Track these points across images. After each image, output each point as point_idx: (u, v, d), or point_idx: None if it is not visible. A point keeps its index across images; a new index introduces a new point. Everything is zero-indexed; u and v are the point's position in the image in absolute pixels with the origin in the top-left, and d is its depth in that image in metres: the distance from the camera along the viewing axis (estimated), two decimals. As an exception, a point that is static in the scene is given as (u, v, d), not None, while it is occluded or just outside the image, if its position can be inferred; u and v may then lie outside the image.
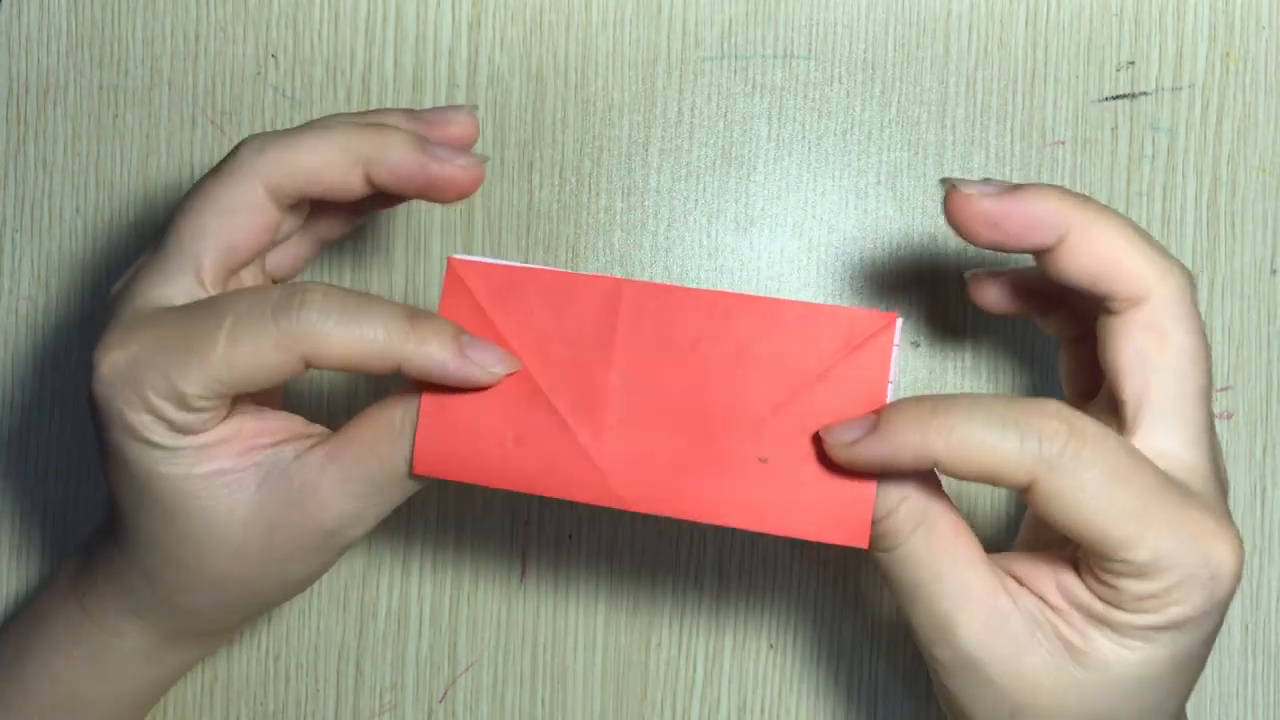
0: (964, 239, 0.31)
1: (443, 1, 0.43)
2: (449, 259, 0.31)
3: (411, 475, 0.32)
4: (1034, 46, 0.42)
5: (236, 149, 0.33)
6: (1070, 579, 0.30)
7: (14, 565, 0.44)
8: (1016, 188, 0.31)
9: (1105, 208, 0.31)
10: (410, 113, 0.34)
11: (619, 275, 0.42)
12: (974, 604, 0.30)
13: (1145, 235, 0.31)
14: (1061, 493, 0.28)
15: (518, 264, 0.31)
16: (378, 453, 0.32)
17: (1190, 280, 0.31)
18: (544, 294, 0.31)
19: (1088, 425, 0.28)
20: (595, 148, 0.43)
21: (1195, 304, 0.31)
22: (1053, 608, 0.30)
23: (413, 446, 0.31)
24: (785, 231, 0.43)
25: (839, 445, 0.29)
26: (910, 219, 0.43)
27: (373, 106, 0.43)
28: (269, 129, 0.43)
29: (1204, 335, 0.31)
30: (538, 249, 0.43)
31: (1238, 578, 0.29)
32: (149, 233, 0.44)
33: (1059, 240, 0.30)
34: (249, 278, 0.35)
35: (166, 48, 0.44)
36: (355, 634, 0.43)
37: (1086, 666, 0.30)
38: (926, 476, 0.30)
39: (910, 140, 0.43)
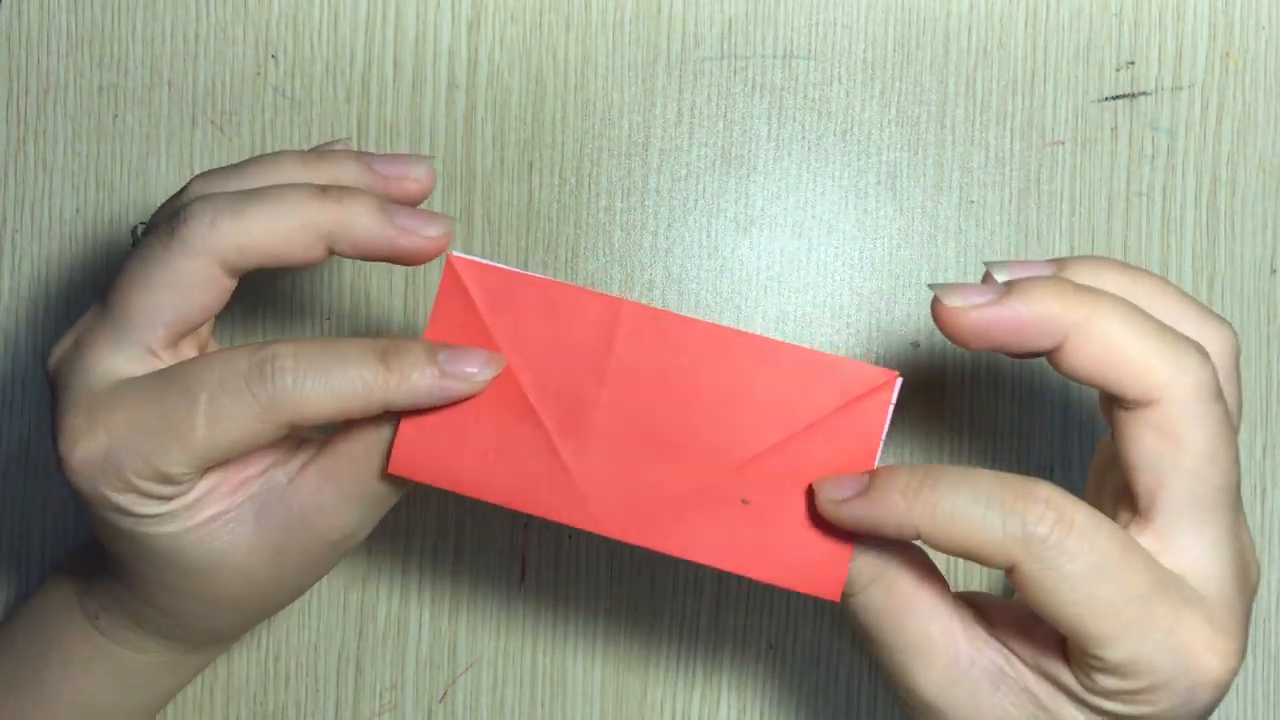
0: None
1: (442, 1, 0.43)
2: (448, 257, 0.31)
3: (384, 477, 0.32)
4: (1034, 46, 0.42)
5: (186, 213, 0.30)
6: (1048, 654, 0.29)
7: (14, 566, 0.44)
8: (1008, 291, 0.28)
9: (1108, 297, 0.28)
10: (364, 162, 0.33)
11: (619, 274, 0.43)
12: (933, 655, 0.30)
13: (1156, 326, 0.28)
14: (1042, 580, 0.27)
15: (517, 270, 0.31)
16: (371, 468, 0.32)
17: (1210, 366, 0.28)
18: (541, 302, 0.31)
19: (1077, 513, 0.27)
20: (595, 148, 0.43)
21: (1218, 395, 0.28)
22: (1025, 664, 0.30)
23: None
24: (785, 231, 0.43)
25: (829, 501, 0.29)
26: (910, 219, 0.43)
27: (372, 106, 0.43)
28: (269, 129, 0.43)
29: (1229, 425, 0.28)
30: (537, 249, 0.43)
31: (1222, 689, 0.28)
32: (149, 233, 0.44)
33: (1058, 344, 0.28)
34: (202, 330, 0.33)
35: (166, 48, 0.44)
36: (355, 634, 0.43)
37: None
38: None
39: (910, 140, 0.43)
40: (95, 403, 0.30)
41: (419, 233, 0.31)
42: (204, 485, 0.31)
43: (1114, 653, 0.27)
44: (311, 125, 0.43)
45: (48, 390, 0.44)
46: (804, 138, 0.43)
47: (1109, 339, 0.28)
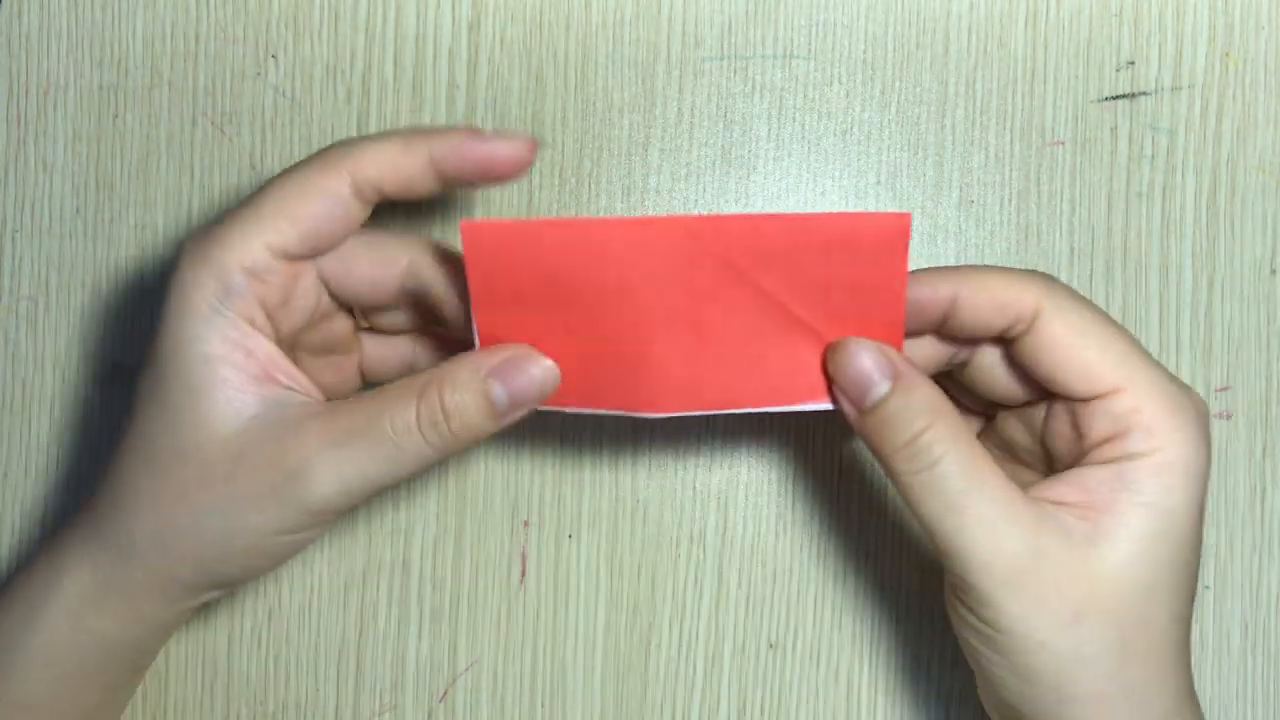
0: None
1: (442, 2, 0.43)
2: (461, 224, 0.31)
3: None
4: (1034, 46, 0.42)
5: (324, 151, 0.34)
6: (1079, 470, 0.33)
7: (14, 566, 0.44)
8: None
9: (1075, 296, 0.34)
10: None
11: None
12: (1019, 509, 0.32)
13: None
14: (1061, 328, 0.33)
15: (530, 219, 0.31)
16: (374, 408, 0.33)
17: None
18: (566, 242, 0.31)
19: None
20: (595, 148, 0.43)
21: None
22: (1077, 505, 0.32)
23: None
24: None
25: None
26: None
27: (372, 106, 0.43)
28: (269, 129, 0.43)
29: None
30: (538, 249, 0.43)
31: (1208, 420, 0.33)
32: (149, 233, 0.44)
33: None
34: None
35: (166, 48, 0.44)
36: (355, 634, 0.43)
37: (1124, 537, 0.32)
38: (950, 404, 0.33)
39: (910, 140, 0.43)
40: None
41: (507, 140, 0.34)
42: (250, 331, 0.33)
43: (1119, 373, 0.33)
44: (312, 125, 0.43)
45: (53, 386, 0.44)
46: (804, 138, 0.43)
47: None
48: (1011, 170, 0.42)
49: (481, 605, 0.43)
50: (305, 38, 0.43)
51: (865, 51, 0.43)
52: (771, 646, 0.43)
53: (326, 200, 0.34)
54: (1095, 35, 0.42)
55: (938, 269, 0.34)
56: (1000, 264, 0.42)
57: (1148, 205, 0.42)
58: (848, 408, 0.33)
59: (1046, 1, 0.42)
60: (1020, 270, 0.34)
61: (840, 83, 0.43)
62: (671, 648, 0.43)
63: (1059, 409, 0.34)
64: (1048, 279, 0.34)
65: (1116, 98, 0.42)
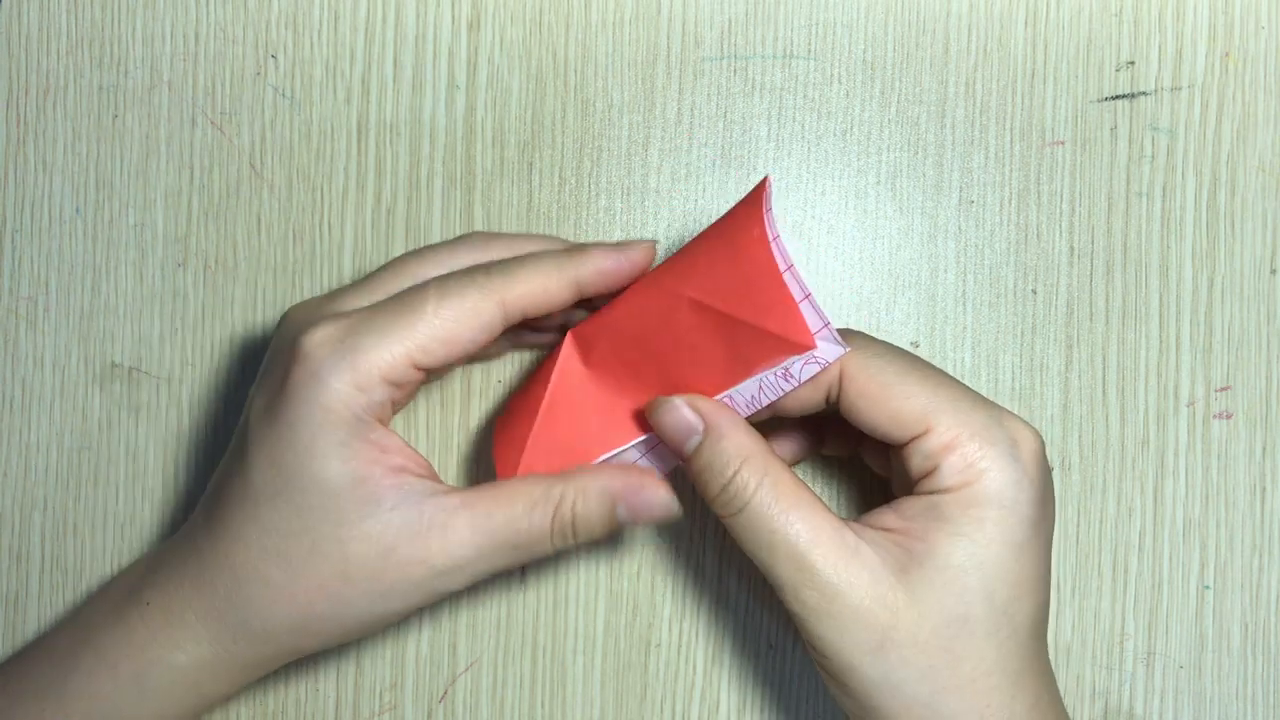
0: None
1: (442, 2, 0.43)
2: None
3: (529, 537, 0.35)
4: (1033, 47, 0.42)
5: (473, 272, 0.36)
6: (902, 499, 0.34)
7: (14, 566, 0.44)
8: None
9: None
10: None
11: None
12: (826, 541, 0.33)
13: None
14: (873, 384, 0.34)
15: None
16: (512, 512, 0.35)
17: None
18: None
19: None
20: (595, 148, 0.43)
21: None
22: (895, 531, 0.34)
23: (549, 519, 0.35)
24: (785, 231, 0.43)
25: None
26: (910, 219, 0.43)
27: (372, 106, 0.43)
28: (269, 129, 0.43)
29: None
30: (537, 249, 0.43)
31: (1040, 445, 0.34)
32: (149, 233, 0.44)
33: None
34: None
35: (166, 48, 0.44)
36: (355, 634, 0.43)
37: (932, 567, 0.32)
38: (760, 441, 0.34)
39: (910, 140, 0.43)
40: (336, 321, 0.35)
41: (636, 249, 0.37)
42: (382, 436, 0.34)
43: (938, 416, 0.34)
44: (311, 125, 0.43)
45: (53, 386, 0.44)
46: (804, 138, 0.43)
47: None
48: (1011, 170, 0.42)
49: (481, 605, 0.43)
50: (305, 38, 0.43)
51: (865, 51, 0.43)
52: (771, 647, 0.43)
53: (482, 330, 0.35)
54: (1095, 35, 0.42)
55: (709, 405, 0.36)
56: (999, 264, 0.42)
57: (1148, 205, 0.42)
58: (679, 458, 0.36)
59: (1046, 2, 0.42)
60: None
61: (840, 83, 0.43)
62: (671, 648, 0.43)
63: (893, 450, 0.35)
64: (848, 338, 0.35)
65: (1116, 98, 0.42)
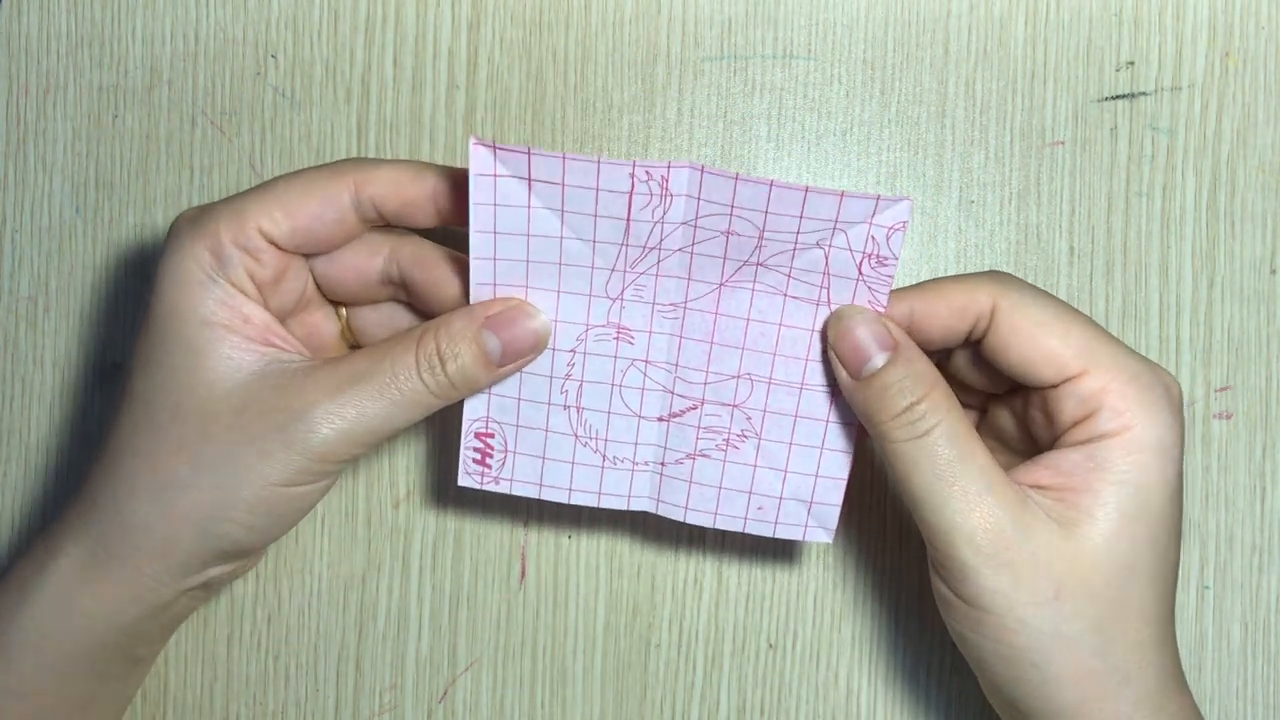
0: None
1: (442, 2, 0.43)
2: (471, 141, 0.33)
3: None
4: (1033, 47, 0.42)
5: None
6: (1052, 454, 0.33)
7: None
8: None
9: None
10: None
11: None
12: (1001, 487, 0.32)
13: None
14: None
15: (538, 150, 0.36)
16: (374, 353, 0.34)
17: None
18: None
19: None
20: (595, 148, 0.43)
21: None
22: (1051, 487, 0.33)
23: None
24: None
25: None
26: (910, 219, 0.42)
27: (372, 106, 0.43)
28: (269, 129, 0.43)
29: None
30: (537, 249, 0.43)
31: (1180, 396, 0.33)
32: (149, 233, 0.44)
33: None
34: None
35: (166, 48, 0.44)
36: (355, 634, 0.43)
37: (1102, 516, 0.32)
38: (945, 382, 0.34)
39: (910, 140, 0.43)
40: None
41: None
42: (246, 301, 0.34)
43: (1084, 359, 0.33)
44: (311, 125, 0.43)
45: (53, 386, 0.44)
46: (804, 137, 0.43)
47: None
48: (1011, 170, 0.42)
49: (481, 605, 0.43)
50: (305, 38, 0.43)
51: (865, 51, 0.43)
52: (771, 646, 0.43)
53: (325, 203, 0.34)
54: (1095, 35, 0.42)
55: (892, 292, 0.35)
56: (1000, 264, 0.42)
57: (1148, 205, 0.42)
58: (844, 376, 0.34)
59: (1046, 2, 0.42)
60: (972, 273, 0.35)
61: (840, 83, 0.43)
62: (671, 648, 0.43)
63: (1033, 397, 0.35)
64: (1000, 276, 0.35)
65: (1116, 98, 0.42)
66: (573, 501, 0.38)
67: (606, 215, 0.35)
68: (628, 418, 0.38)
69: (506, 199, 0.34)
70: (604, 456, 0.38)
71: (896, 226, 0.34)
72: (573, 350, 0.37)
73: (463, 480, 0.38)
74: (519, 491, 0.38)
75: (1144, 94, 0.42)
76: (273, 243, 0.34)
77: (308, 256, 0.36)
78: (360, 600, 0.43)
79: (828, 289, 0.35)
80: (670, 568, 0.43)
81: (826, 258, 0.35)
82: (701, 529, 0.43)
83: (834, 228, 0.34)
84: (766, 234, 0.35)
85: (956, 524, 0.32)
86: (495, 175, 0.34)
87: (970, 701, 0.42)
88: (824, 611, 0.43)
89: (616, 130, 0.43)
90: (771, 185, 0.34)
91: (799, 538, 0.37)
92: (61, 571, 0.35)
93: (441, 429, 0.43)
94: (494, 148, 0.34)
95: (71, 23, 0.44)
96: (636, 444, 0.38)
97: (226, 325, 0.34)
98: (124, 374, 0.35)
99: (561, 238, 0.35)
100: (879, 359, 0.34)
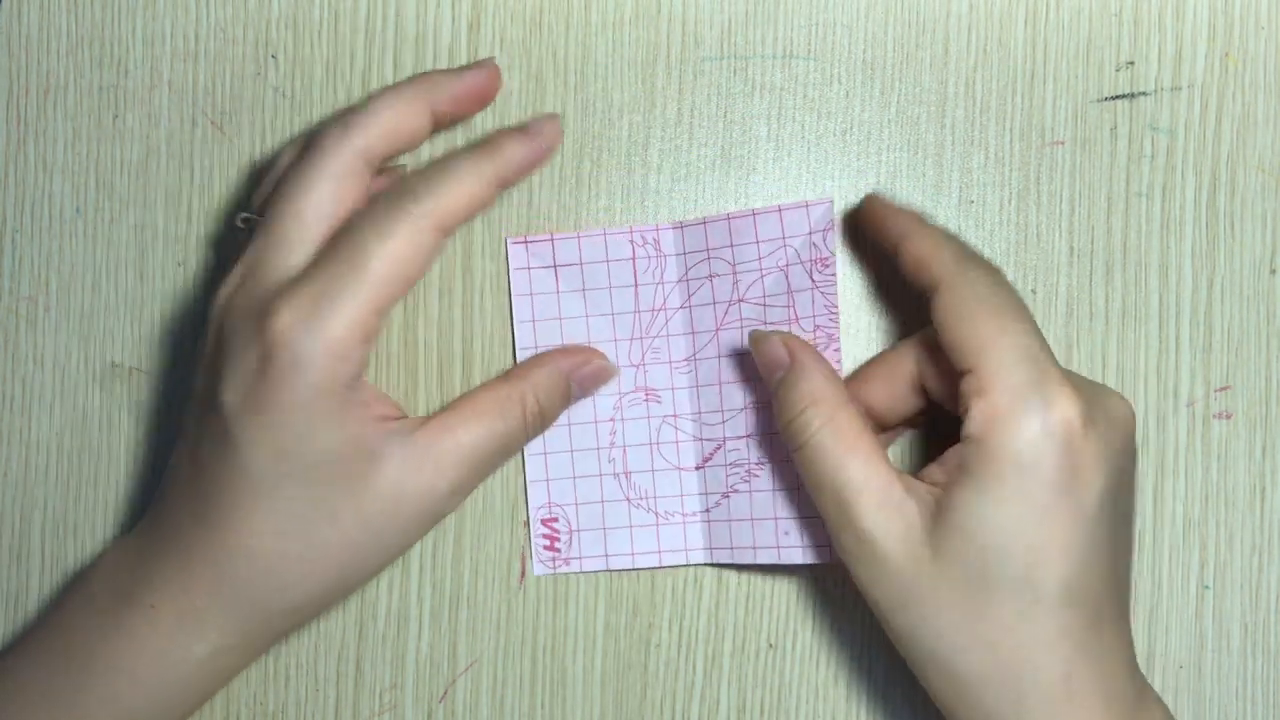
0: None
1: (442, 2, 0.43)
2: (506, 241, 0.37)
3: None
4: (1033, 47, 0.42)
5: (319, 135, 0.36)
6: (948, 450, 0.34)
7: (13, 566, 0.44)
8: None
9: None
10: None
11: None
12: (871, 491, 0.34)
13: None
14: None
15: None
16: (490, 423, 0.37)
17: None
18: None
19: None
20: (595, 148, 0.43)
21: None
22: (938, 485, 0.34)
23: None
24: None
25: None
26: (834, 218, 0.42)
27: (373, 107, 0.43)
28: (269, 129, 0.43)
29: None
30: (538, 249, 0.43)
31: (1077, 415, 0.32)
32: (149, 233, 0.44)
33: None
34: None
35: (166, 48, 0.44)
36: (355, 634, 0.43)
37: (953, 522, 0.32)
38: (836, 387, 0.36)
39: (910, 140, 0.43)
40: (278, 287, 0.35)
41: (545, 129, 0.38)
42: (359, 389, 0.35)
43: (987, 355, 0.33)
44: (312, 125, 0.43)
45: (53, 386, 0.44)
46: (804, 138, 0.43)
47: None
48: (1011, 170, 0.42)
49: (481, 605, 0.43)
50: (305, 38, 0.43)
51: (865, 51, 0.43)
52: (771, 646, 0.43)
53: (428, 260, 0.35)
54: (1095, 35, 0.42)
55: (895, 209, 0.38)
56: (1000, 263, 0.42)
57: (1147, 205, 0.42)
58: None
59: (1046, 2, 0.42)
60: (943, 236, 0.36)
61: (840, 83, 0.43)
62: (671, 648, 0.43)
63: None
64: (963, 252, 0.35)
65: (1116, 98, 0.42)
66: (638, 565, 0.42)
67: (618, 285, 0.41)
68: (669, 472, 0.42)
69: (540, 287, 0.42)
70: (656, 514, 0.41)
71: (826, 227, 0.39)
72: (612, 419, 0.42)
73: (537, 570, 0.42)
74: (589, 568, 0.42)
75: (1144, 94, 0.42)
76: (386, 314, 0.36)
77: None
78: (360, 600, 0.43)
79: (793, 305, 0.40)
80: (670, 568, 0.43)
81: (787, 276, 0.40)
82: (701, 529, 0.43)
83: (784, 244, 0.40)
84: (738, 267, 0.40)
85: (829, 521, 0.35)
86: (529, 269, 0.41)
87: (970, 701, 0.42)
88: (824, 611, 0.43)
89: (616, 130, 0.43)
90: (728, 218, 0.40)
91: (827, 559, 0.39)
92: (203, 658, 0.36)
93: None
94: (526, 242, 0.41)
95: (71, 22, 0.44)
96: (682, 495, 0.41)
97: (362, 424, 0.35)
98: (231, 460, 0.35)
99: (587, 316, 0.41)
100: (777, 376, 0.37)
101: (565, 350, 0.41)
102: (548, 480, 0.42)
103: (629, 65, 0.43)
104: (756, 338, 0.38)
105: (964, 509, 0.32)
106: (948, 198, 0.42)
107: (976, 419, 0.33)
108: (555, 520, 0.42)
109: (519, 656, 0.43)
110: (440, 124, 0.38)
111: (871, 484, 0.34)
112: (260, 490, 0.35)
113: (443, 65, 0.43)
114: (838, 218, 0.42)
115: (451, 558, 0.43)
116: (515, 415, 0.38)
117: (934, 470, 0.34)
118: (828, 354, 0.39)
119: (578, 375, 0.40)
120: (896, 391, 0.38)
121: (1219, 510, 0.42)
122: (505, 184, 0.37)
